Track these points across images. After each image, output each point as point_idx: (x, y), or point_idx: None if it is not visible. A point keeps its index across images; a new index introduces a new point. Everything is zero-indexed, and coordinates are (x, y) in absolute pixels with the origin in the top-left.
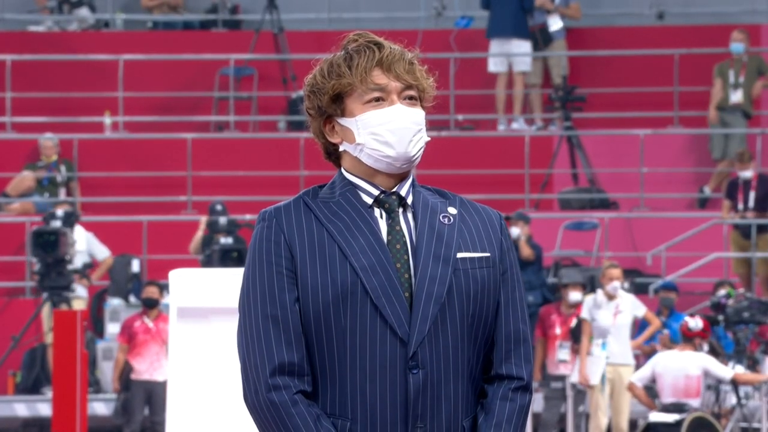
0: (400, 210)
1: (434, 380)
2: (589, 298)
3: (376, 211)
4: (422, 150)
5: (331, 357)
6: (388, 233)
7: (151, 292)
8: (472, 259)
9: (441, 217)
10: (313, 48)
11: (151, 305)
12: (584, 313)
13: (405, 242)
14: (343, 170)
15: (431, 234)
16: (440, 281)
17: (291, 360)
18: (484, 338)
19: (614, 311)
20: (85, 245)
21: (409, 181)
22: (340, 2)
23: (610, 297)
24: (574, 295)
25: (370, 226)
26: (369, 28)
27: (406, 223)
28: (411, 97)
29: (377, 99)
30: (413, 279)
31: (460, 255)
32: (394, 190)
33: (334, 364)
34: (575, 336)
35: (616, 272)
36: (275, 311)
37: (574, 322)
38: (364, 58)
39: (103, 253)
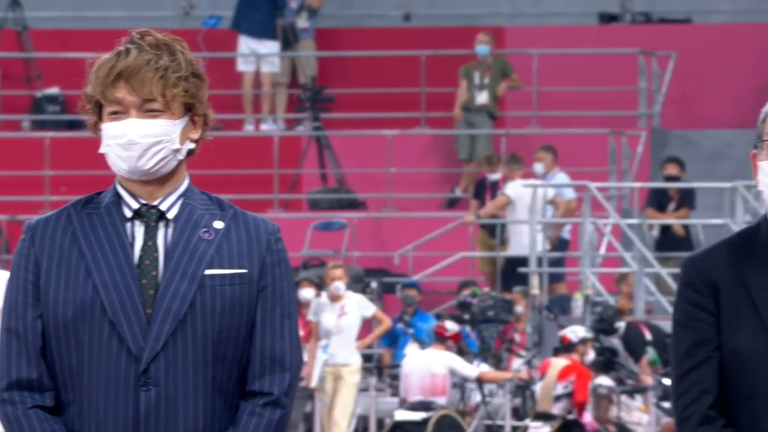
0: (161, 224)
1: (169, 398)
2: (315, 300)
3: (136, 224)
4: (165, 161)
5: (71, 373)
6: (142, 249)
7: None
8: (222, 275)
9: (201, 232)
10: (57, 46)
11: None
12: (310, 315)
13: (156, 258)
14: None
15: (184, 250)
16: (181, 298)
17: (29, 375)
18: (236, 355)
19: (339, 312)
20: None
21: (177, 193)
22: (84, 0)
23: (334, 298)
24: (305, 293)
25: (122, 241)
26: (114, 28)
27: (164, 237)
28: (152, 110)
29: (115, 112)
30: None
31: (208, 272)
32: (155, 203)
33: (74, 381)
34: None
35: (338, 273)
36: (17, 326)
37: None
38: (104, 69)
39: None
